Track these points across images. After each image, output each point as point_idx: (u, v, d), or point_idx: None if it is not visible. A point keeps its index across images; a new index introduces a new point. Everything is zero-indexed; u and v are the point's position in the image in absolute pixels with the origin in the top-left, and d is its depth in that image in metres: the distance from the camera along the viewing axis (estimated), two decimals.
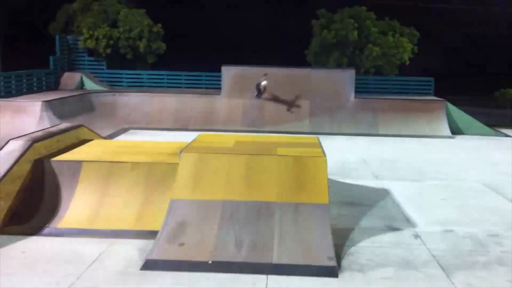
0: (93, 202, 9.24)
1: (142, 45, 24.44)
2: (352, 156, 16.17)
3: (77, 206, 9.18)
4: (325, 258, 7.79)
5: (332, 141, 18.08)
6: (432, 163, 15.36)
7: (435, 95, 23.58)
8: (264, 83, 17.07)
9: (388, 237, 8.99)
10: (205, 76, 24.85)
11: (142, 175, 9.60)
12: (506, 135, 21.09)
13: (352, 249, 8.44)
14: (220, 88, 22.04)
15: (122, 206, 9.19)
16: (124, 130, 20.15)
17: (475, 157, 16.63)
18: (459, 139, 20.38)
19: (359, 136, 19.97)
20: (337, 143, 18.24)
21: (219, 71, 22.12)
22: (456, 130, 21.25)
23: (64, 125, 12.10)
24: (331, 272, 7.53)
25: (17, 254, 7.93)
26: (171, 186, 9.03)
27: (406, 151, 17.51)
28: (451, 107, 21.69)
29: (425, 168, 14.71)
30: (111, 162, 9.80)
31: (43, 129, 11.31)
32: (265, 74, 19.16)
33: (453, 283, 7.23)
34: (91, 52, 25.14)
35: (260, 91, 16.56)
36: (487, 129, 21.50)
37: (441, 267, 7.75)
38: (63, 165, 9.68)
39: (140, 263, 7.62)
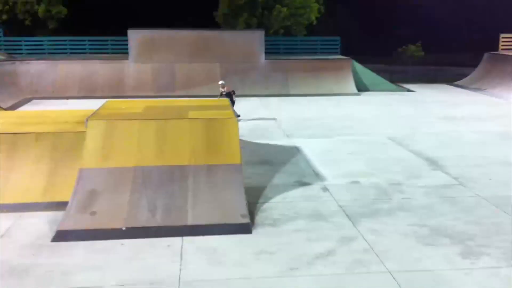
0: None
1: (41, 9, 23.19)
2: (263, 117, 16.42)
3: None
4: (239, 216, 7.97)
5: (243, 102, 18.23)
6: (340, 120, 15.94)
7: (342, 54, 24.27)
8: (221, 85, 15.38)
9: (298, 192, 9.33)
10: (111, 40, 23.97)
11: (48, 145, 9.24)
12: (409, 90, 22.21)
13: (265, 205, 8.69)
14: (127, 53, 21.40)
15: (28, 178, 8.83)
16: (27, 100, 19.20)
17: (380, 112, 17.41)
18: (365, 95, 21.22)
19: (270, 97, 20.26)
20: (249, 104, 18.41)
21: (125, 35, 21.39)
22: (362, 87, 22.09)
23: None
24: (245, 228, 7.74)
25: None
26: (79, 155, 8.79)
27: (316, 109, 18.01)
28: (357, 65, 22.48)
29: (334, 124, 15.26)
30: (14, 133, 9.35)
31: None
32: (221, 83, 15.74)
33: (358, 230, 7.66)
34: None
35: (221, 94, 14.98)
36: (390, 85, 22.54)
37: (348, 216, 8.18)
38: None
39: (51, 235, 7.43)
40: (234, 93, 14.71)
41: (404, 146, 12.60)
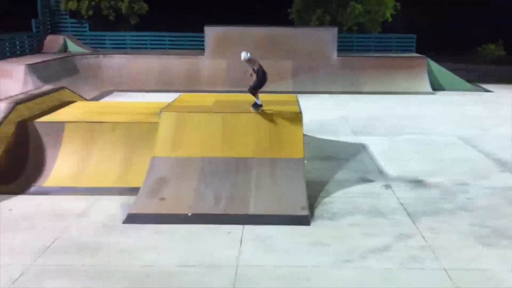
0: (77, 161, 9.58)
1: (124, 6, 24.36)
2: (332, 114, 16.52)
3: (61, 166, 9.51)
4: (298, 208, 8.22)
5: (314, 99, 18.43)
6: (410, 119, 15.75)
7: (417, 51, 23.82)
8: (245, 60, 9.47)
9: (360, 188, 9.43)
10: (188, 36, 24.87)
11: (123, 134, 9.90)
12: (486, 90, 21.49)
13: (325, 199, 8.87)
14: (203, 49, 22.11)
15: (104, 164, 9.53)
16: (108, 92, 20.32)
17: (452, 112, 17.02)
18: (439, 95, 20.75)
19: (341, 94, 20.26)
20: (319, 101, 18.55)
21: (202, 31, 22.14)
22: (437, 87, 21.59)
23: (46, 87, 12.32)
24: (304, 220, 7.97)
25: (4, 212, 8.28)
26: (152, 144, 9.36)
27: (386, 107, 17.86)
28: (432, 63, 21.98)
29: (403, 123, 15.11)
30: (93, 122, 10.08)
31: (26, 92, 11.52)
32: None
33: (417, 228, 7.69)
34: (73, 14, 25.01)
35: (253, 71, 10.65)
36: (467, 84, 21.87)
37: (408, 214, 8.21)
38: (46, 126, 9.95)
39: (123, 217, 8.01)
40: (262, 73, 9.68)
41: (473, 146, 12.33)
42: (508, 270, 6.43)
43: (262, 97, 11.97)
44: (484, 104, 18.47)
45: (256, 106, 9.71)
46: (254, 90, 9.64)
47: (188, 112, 9.81)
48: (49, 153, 9.70)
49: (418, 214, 8.23)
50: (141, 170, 9.06)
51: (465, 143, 12.62)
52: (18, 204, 8.60)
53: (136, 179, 8.96)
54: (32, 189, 9.12)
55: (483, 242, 7.23)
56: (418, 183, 9.73)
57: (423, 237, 7.37)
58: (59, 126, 9.93)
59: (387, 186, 9.52)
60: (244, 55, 9.35)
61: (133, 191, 8.70)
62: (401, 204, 8.65)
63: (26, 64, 17.97)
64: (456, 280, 6.17)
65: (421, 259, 6.73)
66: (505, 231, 7.58)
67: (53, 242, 7.18)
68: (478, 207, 8.49)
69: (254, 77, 9.54)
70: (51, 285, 6.07)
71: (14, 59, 20.08)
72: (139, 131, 9.93)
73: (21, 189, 9.08)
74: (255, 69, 9.52)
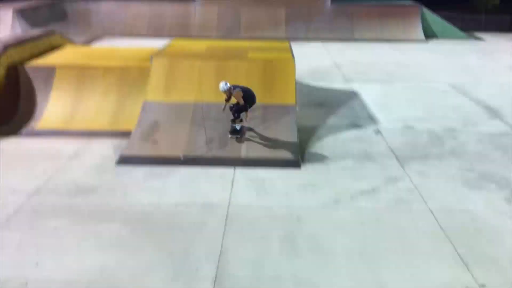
0: (69, 105, 9.57)
1: None
2: (326, 61, 16.43)
3: (53, 109, 9.50)
4: (289, 152, 8.32)
5: (307, 46, 18.27)
6: (403, 66, 15.70)
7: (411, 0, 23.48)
8: (223, 90, 8.36)
9: (351, 134, 9.52)
10: None
11: (115, 79, 9.86)
12: (479, 39, 21.37)
13: (317, 144, 8.97)
14: None
15: (96, 108, 9.52)
16: (98, 38, 20.02)
17: (445, 60, 16.97)
18: (432, 43, 20.60)
19: (334, 42, 20.07)
20: (312, 48, 18.40)
21: None
22: (430, 34, 21.42)
23: (36, 31, 12.12)
24: (295, 164, 8.08)
25: None
26: (143, 89, 9.34)
27: (379, 55, 17.76)
28: (426, 11, 21.72)
29: (396, 71, 15.07)
30: (84, 67, 10.01)
31: (15, 36, 11.35)
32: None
33: (405, 171, 7.84)
34: None
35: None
36: (461, 33, 21.70)
37: (397, 158, 8.34)
38: (37, 70, 9.88)
39: (115, 158, 8.08)
40: (244, 107, 8.41)
41: (465, 94, 12.39)
42: (492, 212, 6.61)
43: (255, 44, 11.84)
44: (478, 53, 18.40)
45: (234, 131, 8.52)
46: (236, 113, 8.46)
47: (181, 58, 9.75)
48: (40, 96, 9.67)
49: (407, 158, 8.36)
50: (133, 114, 9.09)
51: (457, 91, 12.66)
52: (11, 146, 8.63)
53: (128, 123, 9.00)
54: (25, 131, 9.14)
55: (470, 185, 7.39)
56: (408, 129, 9.82)
57: (411, 180, 7.52)
58: (50, 70, 9.86)
59: (377, 132, 9.61)
60: (222, 85, 8.23)
61: (125, 135, 8.75)
62: (391, 149, 8.77)
63: (15, 9, 17.61)
64: (441, 221, 6.34)
65: (409, 201, 6.90)
66: (491, 175, 7.73)
67: (46, 182, 7.27)
68: (467, 153, 8.63)
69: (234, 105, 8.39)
70: (48, 223, 6.19)
71: (2, 3, 19.62)
72: (131, 76, 9.88)
73: (13, 131, 9.09)
74: (234, 105, 8.41)
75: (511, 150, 8.72)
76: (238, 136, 8.53)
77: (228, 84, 8.29)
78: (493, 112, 10.87)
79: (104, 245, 5.74)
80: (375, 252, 5.66)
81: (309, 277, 5.23)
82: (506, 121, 10.26)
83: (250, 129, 8.74)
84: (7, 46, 9.99)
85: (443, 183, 7.46)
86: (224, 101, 8.49)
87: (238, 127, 8.59)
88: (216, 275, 5.22)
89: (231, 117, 8.54)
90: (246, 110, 8.49)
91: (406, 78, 14.16)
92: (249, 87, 8.65)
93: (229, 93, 8.32)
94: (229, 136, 8.47)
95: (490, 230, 6.17)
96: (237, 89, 8.34)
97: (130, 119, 9.06)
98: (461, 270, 5.34)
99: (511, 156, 8.48)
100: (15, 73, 9.80)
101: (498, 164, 8.15)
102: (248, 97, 8.44)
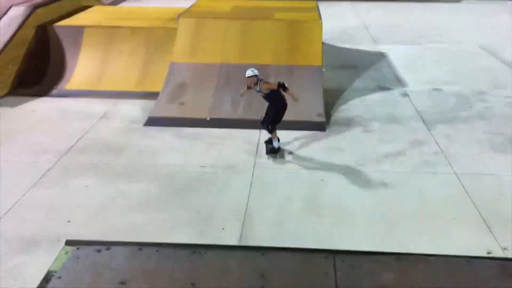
0: (97, 66, 9.70)
1: None
2: (354, 21, 16.19)
3: (82, 69, 9.66)
4: (315, 115, 8.32)
5: (334, 6, 17.99)
6: (432, 27, 15.38)
7: None
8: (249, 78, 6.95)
9: (378, 96, 9.46)
10: None
11: (142, 39, 9.92)
12: None
13: (343, 107, 8.95)
14: None
15: (124, 69, 9.64)
16: None
17: (476, 21, 16.55)
18: (464, 3, 20.07)
19: (362, 1, 19.70)
20: (339, 8, 18.12)
21: None
22: None
23: None
24: (320, 126, 8.10)
25: (28, 113, 8.54)
26: (170, 50, 9.38)
27: (408, 15, 17.40)
28: None
29: (425, 32, 14.78)
30: (112, 27, 10.09)
31: None
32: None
33: (432, 134, 7.79)
34: None
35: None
36: None
37: (424, 121, 8.28)
38: (66, 30, 10.00)
39: (143, 120, 8.22)
40: (283, 88, 6.88)
41: (495, 56, 12.12)
42: None
43: (281, 4, 11.64)
44: (510, 14, 17.86)
45: (273, 151, 7.10)
46: (273, 124, 7.05)
47: (207, 18, 9.73)
48: (69, 57, 9.82)
49: (434, 121, 8.30)
50: (159, 75, 9.16)
51: (487, 53, 12.39)
52: (41, 106, 8.84)
53: (155, 84, 9.10)
54: (54, 92, 9.33)
55: (496, 149, 7.32)
56: (436, 91, 9.71)
57: (437, 144, 7.48)
58: (79, 30, 9.96)
59: (404, 94, 9.53)
60: (249, 72, 6.95)
61: (152, 95, 8.86)
62: (418, 111, 8.70)
63: None
64: (466, 185, 6.33)
65: (434, 164, 6.88)
66: None
67: (76, 142, 7.46)
68: (495, 115, 8.52)
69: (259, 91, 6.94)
70: (78, 181, 6.38)
71: None
72: (158, 36, 9.93)
73: (43, 92, 9.29)
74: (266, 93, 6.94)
75: None
76: (277, 155, 7.06)
77: (256, 72, 6.90)
78: None
79: (132, 203, 5.91)
80: (397, 215, 5.70)
81: (328, 236, 5.31)
82: None
83: (291, 152, 7.20)
84: (36, 6, 10.10)
85: (469, 146, 7.41)
86: (245, 88, 7.21)
87: (276, 144, 7.09)
88: (241, 233, 5.35)
89: (266, 132, 7.09)
90: (278, 120, 6.98)
91: (435, 39, 13.89)
92: (275, 46, 8.47)
93: (255, 80, 6.88)
94: (267, 156, 7.04)
95: None
96: (267, 82, 6.93)
97: (157, 80, 9.15)
98: (484, 234, 5.36)
99: None
100: (44, 33, 9.92)
101: None
102: (282, 98, 6.92)
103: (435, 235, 5.33)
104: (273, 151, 7.08)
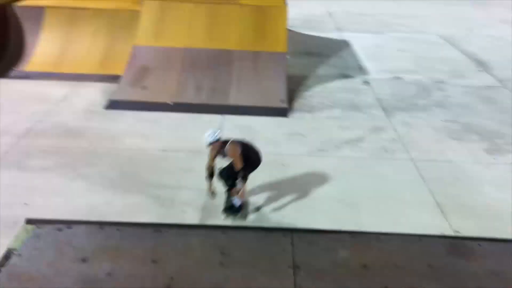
0: (58, 47, 9.52)
1: None
2: (318, 9, 16.29)
3: (43, 51, 9.46)
4: (278, 101, 8.39)
5: None
6: (396, 17, 15.62)
7: None
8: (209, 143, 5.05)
9: (340, 84, 9.59)
10: None
11: (105, 21, 9.77)
12: None
13: (305, 93, 9.05)
14: None
15: (86, 51, 9.49)
16: None
17: (440, 11, 16.87)
18: None
19: None
20: None
21: None
22: None
23: None
24: (282, 112, 8.17)
25: None
26: (134, 33, 9.27)
27: (373, 5, 17.60)
28: None
29: (388, 21, 15.01)
30: (74, 8, 9.89)
31: None
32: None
33: (391, 122, 7.96)
34: None
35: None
36: None
37: (383, 109, 8.45)
38: (26, 10, 9.76)
39: (104, 103, 8.14)
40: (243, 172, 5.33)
41: (456, 46, 12.41)
42: (472, 162, 6.78)
43: None
44: (474, 5, 18.27)
45: (232, 209, 5.38)
46: (231, 179, 5.37)
47: (172, 1, 9.63)
48: (29, 38, 9.61)
49: (393, 109, 8.47)
50: (122, 58, 9.04)
51: (449, 43, 12.68)
52: (0, 88, 8.64)
53: (118, 67, 8.97)
54: (13, 73, 9.12)
55: (453, 136, 7.53)
56: (396, 80, 9.90)
57: (396, 131, 7.65)
58: (39, 11, 9.75)
59: (366, 82, 9.68)
60: (207, 136, 5.24)
61: (115, 78, 8.75)
62: (378, 99, 8.86)
63: None
64: (422, 170, 6.50)
65: (392, 150, 7.04)
66: (475, 127, 7.88)
67: (35, 125, 7.34)
68: (452, 104, 8.75)
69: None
70: (37, 164, 6.29)
71: None
72: (122, 18, 9.80)
73: (2, 74, 9.07)
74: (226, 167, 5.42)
75: (496, 103, 8.86)
76: (237, 215, 5.39)
77: (218, 134, 5.27)
78: (481, 65, 10.94)
79: (93, 187, 5.87)
80: (355, 198, 5.83)
81: (289, 218, 5.39)
82: (493, 74, 10.35)
83: (258, 209, 5.57)
84: None
85: (426, 134, 7.60)
86: (209, 161, 5.31)
87: (237, 202, 5.40)
88: (201, 217, 5.38)
89: (225, 186, 5.45)
90: (245, 177, 5.37)
91: (398, 28, 14.13)
92: (240, 31, 8.49)
93: (218, 148, 5.26)
94: (223, 216, 5.36)
95: (469, 180, 6.34)
96: (233, 143, 5.27)
97: (119, 63, 9.02)
98: (438, 217, 5.54)
99: (495, 108, 8.62)
100: (3, 12, 9.67)
101: (482, 116, 8.29)
102: (249, 158, 5.36)
103: (391, 218, 5.48)
104: (233, 208, 5.42)
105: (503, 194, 5.97)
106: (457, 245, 4.90)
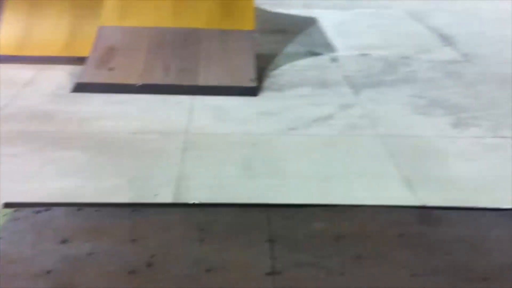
0: (21, 29, 9.29)
1: None
2: None
3: (4, 33, 9.21)
4: (247, 80, 8.41)
5: None
6: None
7: None
8: None
9: (308, 61, 9.66)
10: None
11: (70, 1, 9.57)
12: None
13: (274, 72, 9.09)
14: None
15: (50, 32, 9.29)
16: None
17: None
18: None
19: None
20: None
21: None
22: None
23: None
24: (252, 91, 8.20)
25: None
26: (100, 13, 9.12)
27: None
28: None
29: None
30: None
31: None
32: None
33: (359, 98, 8.09)
34: None
35: None
36: None
37: (351, 86, 8.57)
38: None
39: (71, 86, 8.03)
40: None
41: (421, 21, 12.57)
42: (438, 136, 6.96)
43: None
44: None
45: None
46: None
47: None
48: None
49: (360, 86, 8.59)
50: (88, 39, 8.90)
51: (414, 18, 12.84)
52: None
53: (84, 49, 8.82)
54: None
55: (419, 111, 7.70)
56: (363, 56, 10.01)
57: (363, 107, 7.77)
58: None
59: (334, 59, 9.77)
60: None
61: (81, 60, 8.62)
62: (345, 76, 8.97)
63: None
64: (389, 145, 6.63)
65: (360, 127, 7.17)
66: (441, 101, 8.05)
67: (2, 109, 7.21)
68: (418, 80, 8.92)
69: None
70: (4, 150, 6.19)
71: None
72: None
73: None
74: None
75: (461, 77, 9.06)
76: None
77: None
78: (446, 40, 11.14)
79: (63, 171, 5.82)
80: (326, 174, 5.92)
81: (263, 196, 5.45)
82: (458, 48, 10.55)
83: None
84: None
85: (393, 109, 7.75)
86: None
87: None
88: (175, 198, 5.41)
89: None
90: None
91: (366, 4, 14.19)
92: (207, 9, 8.53)
93: None
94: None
95: (435, 154, 6.50)
96: None
97: (86, 45, 8.86)
98: (404, 190, 5.67)
99: (460, 83, 8.83)
100: None
101: (447, 91, 8.47)
102: None
103: (361, 192, 5.59)
104: None
105: (467, 167, 6.16)
106: (425, 214, 5.11)
